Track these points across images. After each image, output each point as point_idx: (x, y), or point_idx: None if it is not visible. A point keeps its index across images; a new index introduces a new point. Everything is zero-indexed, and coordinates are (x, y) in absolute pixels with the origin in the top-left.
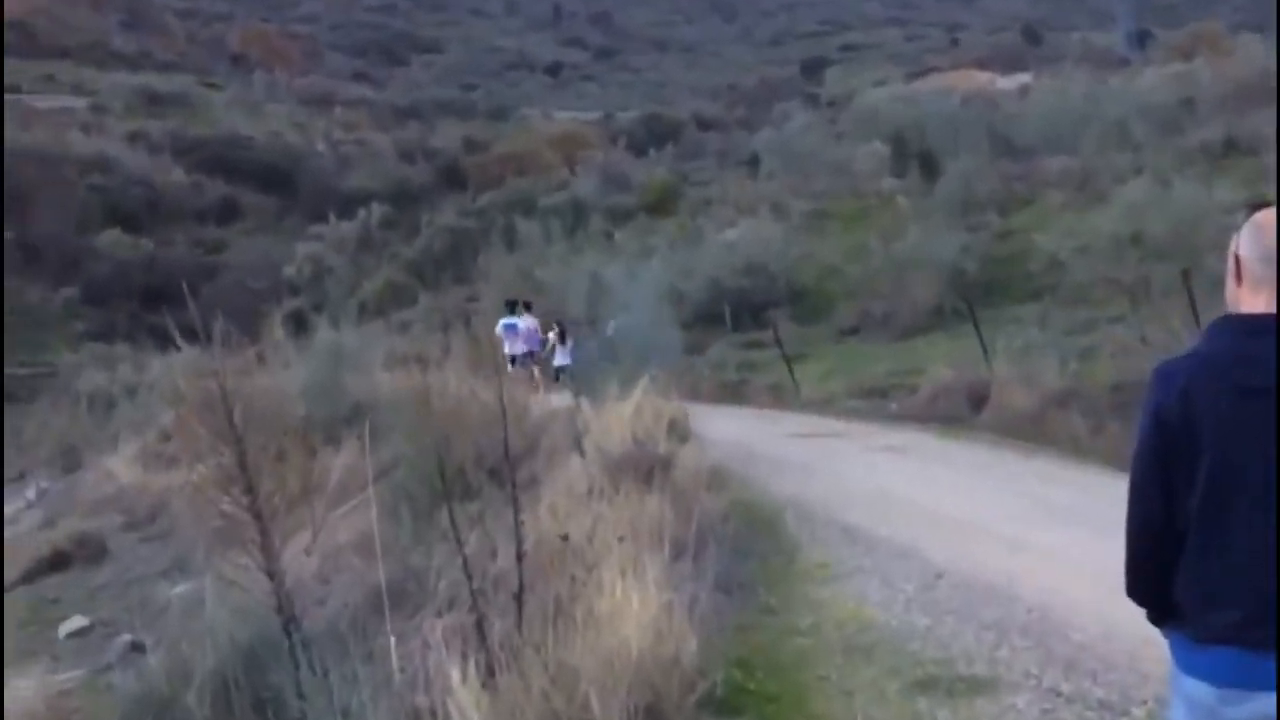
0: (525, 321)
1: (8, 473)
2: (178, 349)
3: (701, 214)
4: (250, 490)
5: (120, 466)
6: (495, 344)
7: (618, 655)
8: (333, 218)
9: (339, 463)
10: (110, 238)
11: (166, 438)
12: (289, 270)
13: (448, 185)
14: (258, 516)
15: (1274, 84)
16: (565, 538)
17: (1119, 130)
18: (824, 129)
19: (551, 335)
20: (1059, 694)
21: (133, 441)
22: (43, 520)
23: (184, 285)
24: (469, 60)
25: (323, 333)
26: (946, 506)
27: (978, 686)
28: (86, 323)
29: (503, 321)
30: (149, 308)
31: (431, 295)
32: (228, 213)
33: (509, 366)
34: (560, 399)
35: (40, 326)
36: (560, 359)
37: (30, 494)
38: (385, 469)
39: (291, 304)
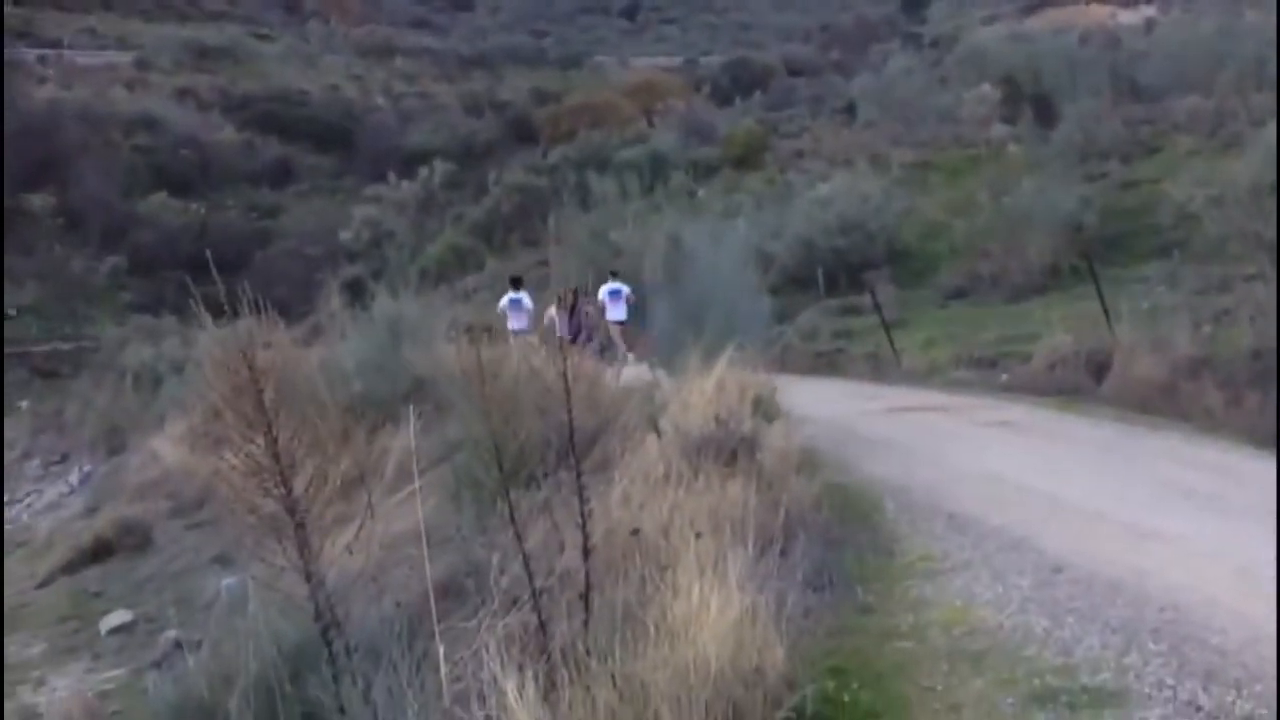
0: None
1: (49, 455)
2: (228, 322)
3: (792, 168)
4: (284, 482)
5: (167, 448)
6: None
7: (694, 667)
8: (393, 177)
9: (397, 444)
10: (157, 202)
11: (214, 416)
12: (346, 235)
13: (516, 140)
14: (292, 511)
15: None
16: (637, 532)
17: (1256, 68)
18: (927, 72)
19: (550, 311)
20: (1198, 708)
21: (179, 421)
22: (85, 506)
23: (236, 252)
24: (539, 4)
25: (381, 302)
26: (1065, 491)
27: (1104, 699)
28: (132, 294)
29: (507, 297)
30: (198, 277)
31: (499, 259)
32: (281, 174)
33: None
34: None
35: (84, 298)
36: (561, 332)
37: (73, 478)
38: (448, 451)
39: (349, 271)
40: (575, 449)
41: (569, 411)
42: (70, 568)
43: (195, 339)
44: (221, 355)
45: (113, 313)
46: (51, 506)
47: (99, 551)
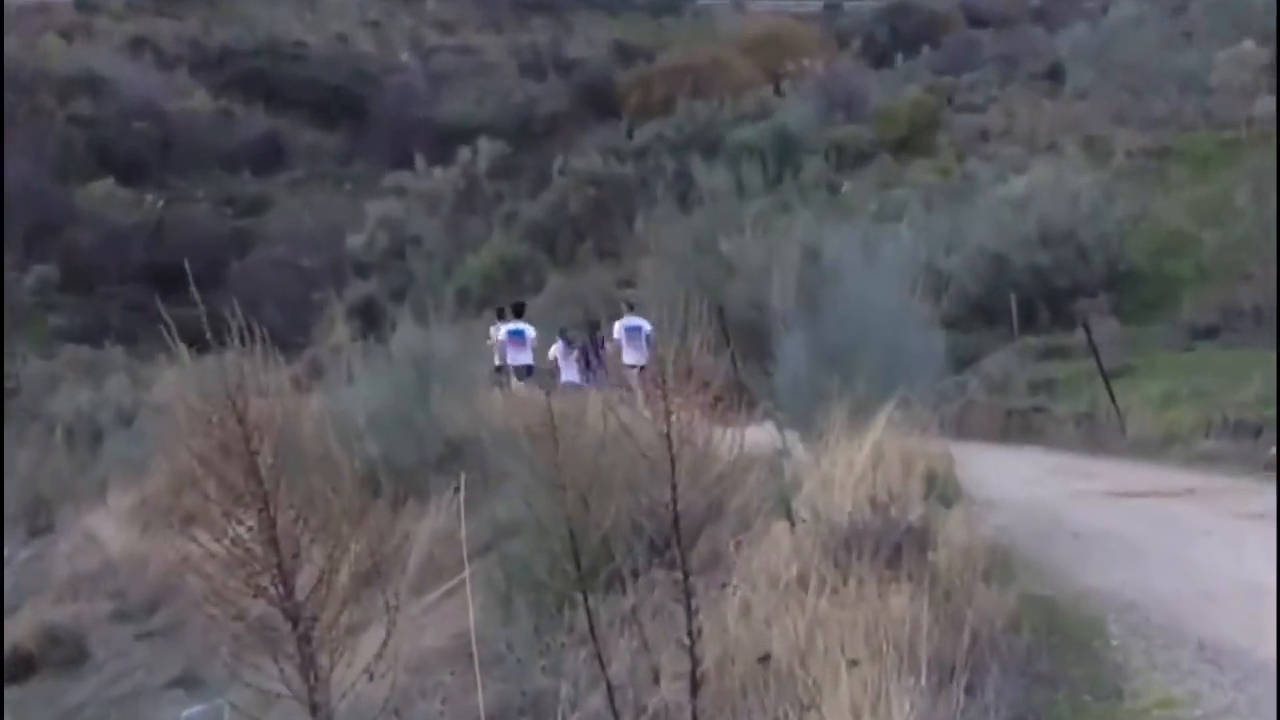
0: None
1: None
2: (200, 355)
3: (974, 154)
4: (284, 577)
5: (109, 528)
6: (492, 352)
7: None
8: (421, 162)
9: (426, 527)
10: (101, 192)
11: (179, 486)
12: (356, 240)
13: (591, 113)
14: (294, 617)
15: None
16: (766, 658)
17: None
18: (1164, 23)
19: (554, 349)
20: None
21: (127, 491)
22: None
23: (206, 262)
24: None
25: (404, 333)
26: None
27: None
28: (65, 316)
29: (505, 328)
30: (154, 294)
31: (565, 276)
32: (269, 156)
33: (511, 381)
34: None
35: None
36: (568, 375)
37: None
38: (494, 538)
39: (358, 290)
40: (680, 540)
41: (673, 488)
42: None
43: (149, 379)
44: (199, 402)
45: (37, 341)
46: None
47: (17, 668)
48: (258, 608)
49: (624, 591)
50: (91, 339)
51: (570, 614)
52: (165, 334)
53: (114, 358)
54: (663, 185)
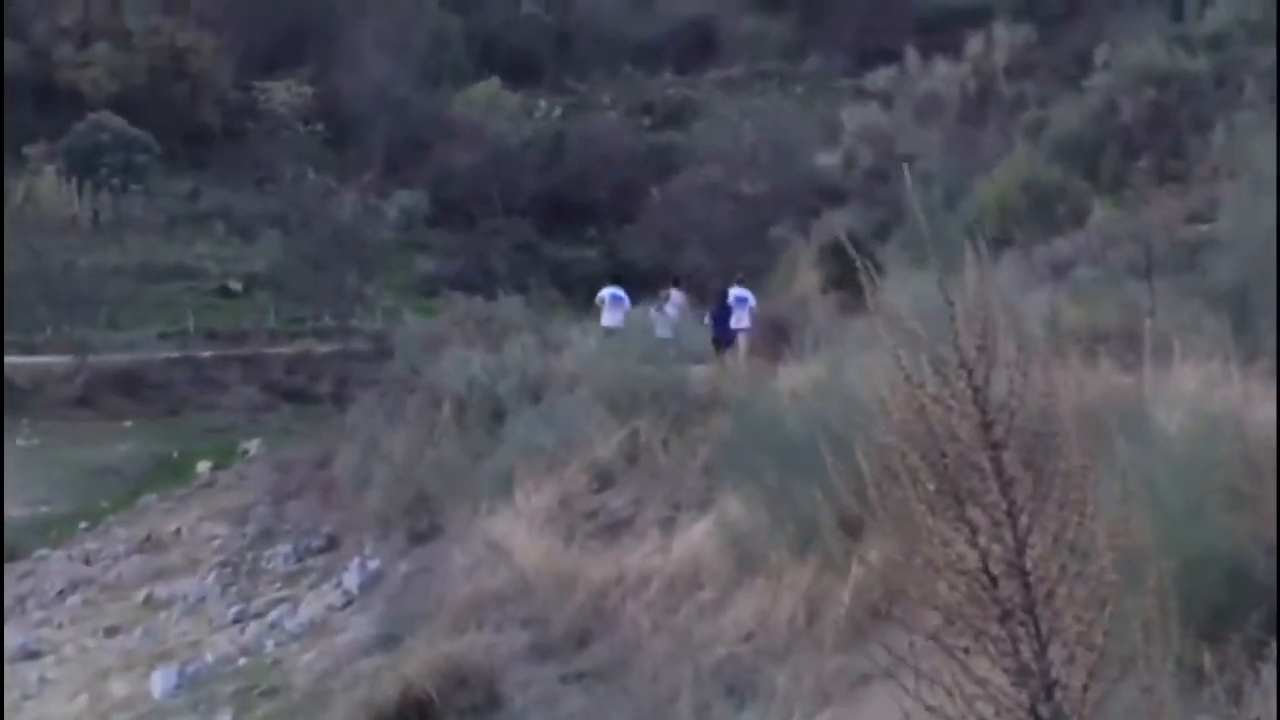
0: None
1: (307, 538)
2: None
3: None
4: (1037, 631)
5: (519, 536)
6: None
7: None
8: (913, 56)
9: None
10: (483, 96)
11: (603, 477)
12: (827, 160)
13: None
14: (1039, 693)
15: None
16: None
17: None
18: None
19: (674, 295)
20: None
21: (541, 488)
22: (376, 633)
23: (614, 186)
24: None
25: (890, 284)
26: None
27: None
28: (437, 257)
29: (608, 291)
30: (551, 230)
31: (1114, 206)
32: (696, 49)
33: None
34: None
35: (352, 260)
36: (610, 319)
37: (350, 580)
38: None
39: (833, 222)
40: None
41: None
42: None
43: (557, 341)
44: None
45: (402, 288)
46: (315, 628)
47: (408, 715)
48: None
49: None
50: (468, 286)
51: None
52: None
53: (509, 313)
54: (1251, 83)
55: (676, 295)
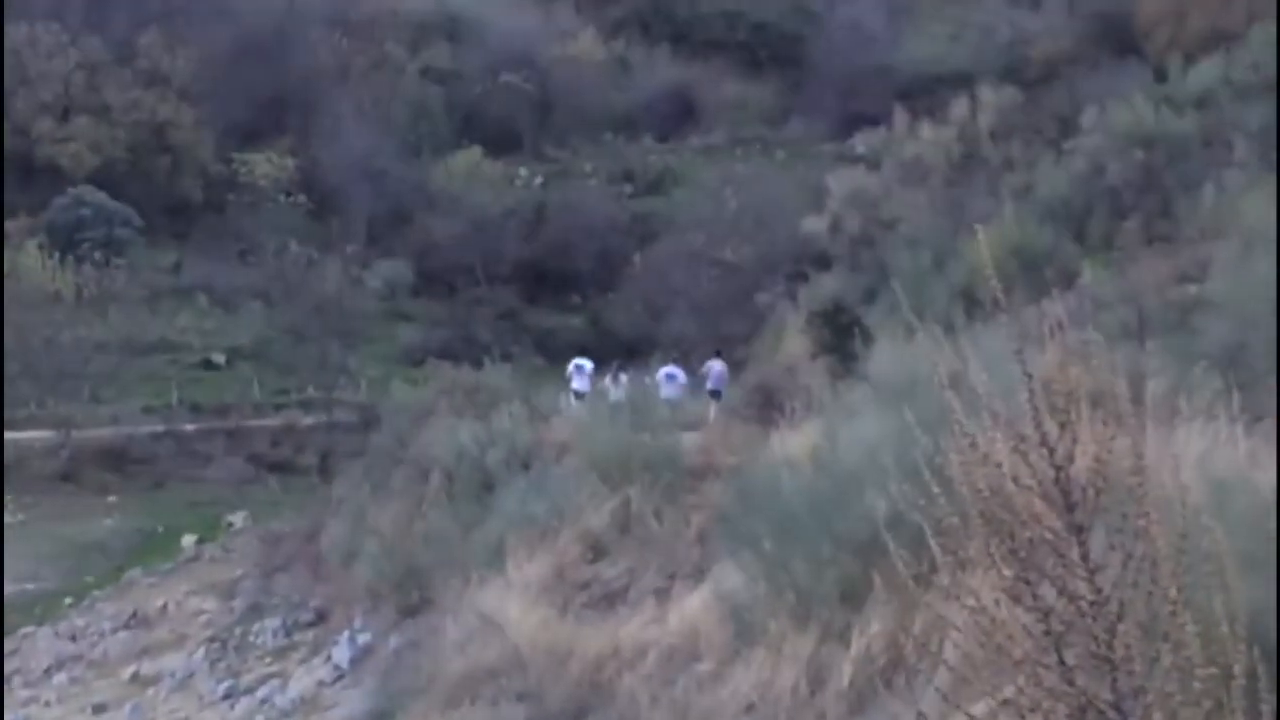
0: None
1: (296, 612)
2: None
3: None
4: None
5: (512, 608)
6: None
7: None
8: (901, 115)
9: None
10: (464, 166)
11: (595, 546)
12: (812, 224)
13: (1104, 50)
14: None
15: None
16: None
17: None
18: None
19: (571, 370)
20: None
21: (533, 559)
22: (366, 706)
23: (597, 253)
24: None
25: (881, 352)
26: None
27: None
28: (421, 326)
29: (574, 362)
30: (533, 298)
31: (1103, 267)
32: (677, 116)
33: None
34: None
35: (337, 331)
36: (579, 384)
37: (341, 654)
38: None
39: (821, 289)
40: None
41: None
42: None
43: (544, 409)
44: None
45: (386, 358)
46: (306, 704)
47: None
48: None
49: None
50: (452, 355)
51: None
52: (538, 343)
53: (496, 381)
54: (1240, 143)
55: (718, 365)
